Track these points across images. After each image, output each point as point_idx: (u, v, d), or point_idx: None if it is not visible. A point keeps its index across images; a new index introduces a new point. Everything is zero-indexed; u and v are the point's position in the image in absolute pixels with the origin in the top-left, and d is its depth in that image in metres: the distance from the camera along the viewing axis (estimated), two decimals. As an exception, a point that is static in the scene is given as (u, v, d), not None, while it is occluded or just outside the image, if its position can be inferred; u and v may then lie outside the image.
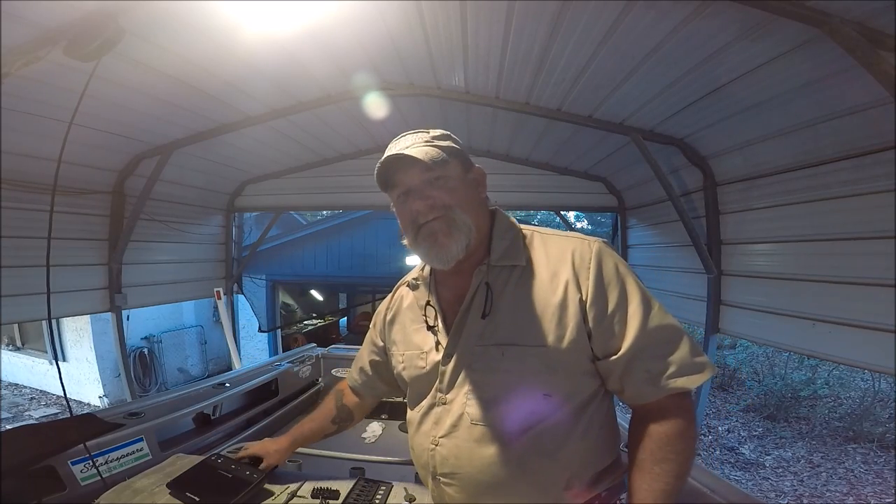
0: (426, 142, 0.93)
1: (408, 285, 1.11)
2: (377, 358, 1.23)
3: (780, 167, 2.21)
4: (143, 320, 7.57)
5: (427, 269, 1.07)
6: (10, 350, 7.65)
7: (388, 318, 1.17)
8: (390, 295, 1.21)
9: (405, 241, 0.98)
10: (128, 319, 3.82)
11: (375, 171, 0.93)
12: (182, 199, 3.88)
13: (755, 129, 2.20)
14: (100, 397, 6.89)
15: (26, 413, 6.44)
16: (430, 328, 1.01)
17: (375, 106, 2.92)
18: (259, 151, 3.78)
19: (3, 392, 7.22)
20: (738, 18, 1.55)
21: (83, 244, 3.14)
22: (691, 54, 1.83)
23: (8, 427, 1.73)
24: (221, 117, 2.90)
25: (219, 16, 1.79)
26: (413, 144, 0.93)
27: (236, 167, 4.07)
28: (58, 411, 6.51)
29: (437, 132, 0.98)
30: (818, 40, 1.49)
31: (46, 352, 7.21)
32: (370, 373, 1.26)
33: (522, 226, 1.03)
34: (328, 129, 3.56)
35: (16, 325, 7.45)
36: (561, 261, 0.92)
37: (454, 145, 0.97)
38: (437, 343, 0.98)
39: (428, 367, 0.99)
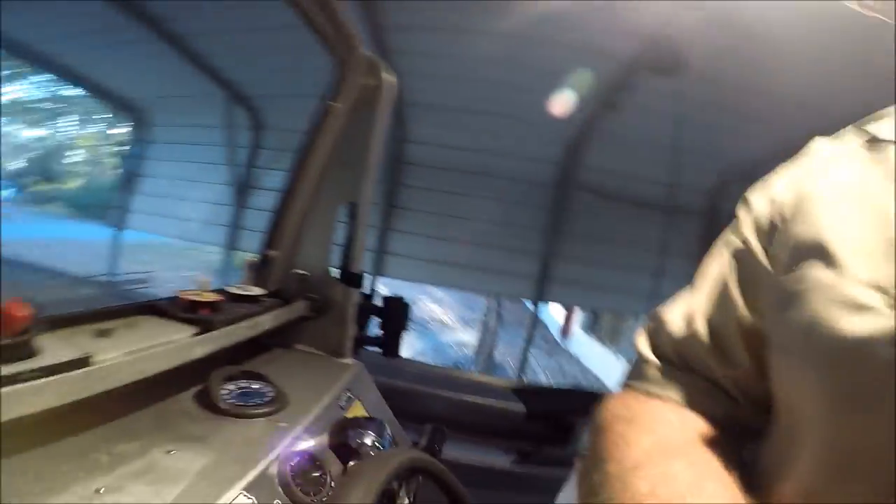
0: None
1: (863, 132, 0.36)
2: (721, 319, 0.41)
3: None
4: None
5: None
6: (596, 340, 9.68)
7: (782, 218, 0.38)
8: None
9: None
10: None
11: None
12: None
13: None
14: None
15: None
16: None
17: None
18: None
19: (578, 376, 9.19)
20: None
21: (675, 258, 3.35)
22: None
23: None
24: (789, 142, 2.41)
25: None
26: None
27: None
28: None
29: None
30: None
31: (613, 345, 8.63)
32: (698, 351, 0.42)
33: None
34: None
35: (602, 319, 9.28)
36: None
37: None
38: None
39: None
